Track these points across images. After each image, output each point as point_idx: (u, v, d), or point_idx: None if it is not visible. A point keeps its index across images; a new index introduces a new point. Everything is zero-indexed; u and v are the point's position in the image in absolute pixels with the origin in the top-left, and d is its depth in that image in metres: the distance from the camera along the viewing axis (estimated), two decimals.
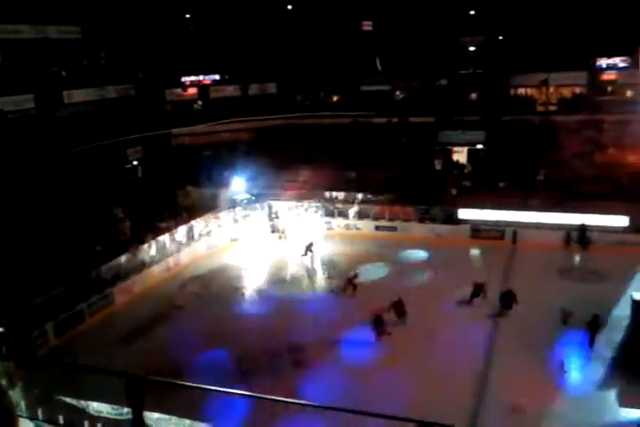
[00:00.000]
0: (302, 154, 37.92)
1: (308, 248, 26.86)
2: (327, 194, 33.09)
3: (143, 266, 25.18)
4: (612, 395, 16.05)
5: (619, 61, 36.62)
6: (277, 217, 31.43)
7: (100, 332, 20.74)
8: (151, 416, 11.44)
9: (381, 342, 18.91)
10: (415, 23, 39.53)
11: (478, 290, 21.13)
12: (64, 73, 36.73)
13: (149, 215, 28.48)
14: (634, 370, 16.56)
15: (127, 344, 19.58)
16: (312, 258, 26.82)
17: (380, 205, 31.64)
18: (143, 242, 26.01)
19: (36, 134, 29.76)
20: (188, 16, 42.72)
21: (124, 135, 34.43)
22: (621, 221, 28.09)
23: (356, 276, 23.00)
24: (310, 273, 26.15)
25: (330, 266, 26.15)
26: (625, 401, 15.64)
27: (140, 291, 24.05)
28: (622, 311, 19.47)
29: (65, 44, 35.08)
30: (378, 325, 18.63)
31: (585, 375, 16.94)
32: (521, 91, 41.08)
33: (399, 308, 19.73)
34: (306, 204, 31.87)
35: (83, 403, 12.38)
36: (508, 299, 20.24)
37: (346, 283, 22.69)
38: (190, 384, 7.96)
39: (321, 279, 25.36)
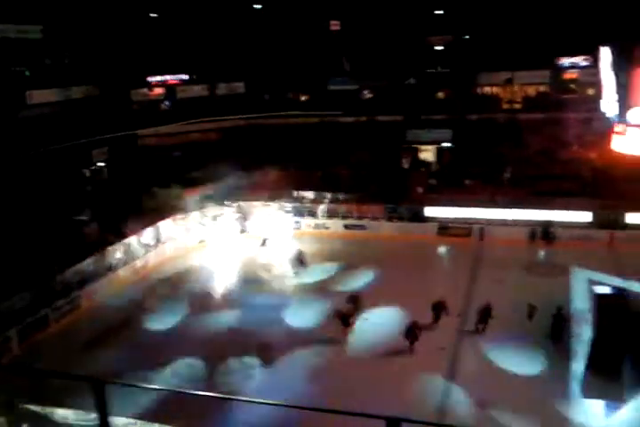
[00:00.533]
0: (271, 153, 37.86)
1: (299, 259, 25.77)
2: (296, 194, 33.07)
3: (109, 269, 24.79)
4: (579, 387, 16.37)
5: (580, 60, 37.43)
6: (247, 218, 31.26)
7: (65, 337, 20.37)
8: (118, 422, 11.25)
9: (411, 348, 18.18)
10: (383, 23, 39.74)
11: (439, 310, 19.43)
12: (27, 73, 36.00)
13: (116, 217, 28.06)
14: (599, 363, 16.96)
15: (94, 349, 19.26)
16: (303, 265, 25.79)
17: (349, 203, 31.74)
18: (110, 245, 25.63)
19: None
20: (153, 15, 42.20)
21: (89, 136, 33.87)
22: (585, 216, 28.71)
23: (301, 253, 22.74)
24: (280, 273, 26.10)
25: (299, 266, 26.08)
26: (591, 393, 15.97)
27: (106, 295, 23.68)
28: (583, 304, 19.97)
29: (27, 44, 34.34)
30: (411, 335, 18.13)
31: (552, 368, 17.23)
32: (487, 89, 41.67)
33: (356, 305, 19.82)
34: (275, 204, 31.79)
35: (47, 410, 12.13)
36: (485, 314, 19.14)
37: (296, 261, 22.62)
38: (158, 387, 7.91)
39: (290, 279, 25.28)
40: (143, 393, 13.25)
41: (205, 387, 15.88)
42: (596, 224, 28.39)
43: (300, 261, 25.64)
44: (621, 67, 19.94)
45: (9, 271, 20.47)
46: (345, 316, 19.41)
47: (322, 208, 31.67)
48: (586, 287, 21.49)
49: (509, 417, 14.70)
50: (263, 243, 28.01)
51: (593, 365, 17.16)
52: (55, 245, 23.83)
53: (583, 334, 18.73)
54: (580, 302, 20.61)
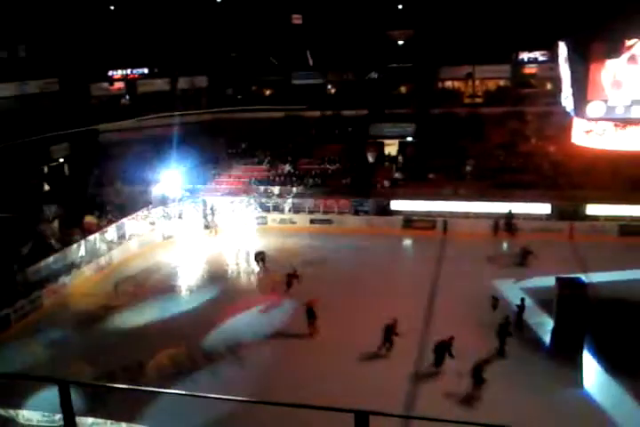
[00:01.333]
0: (235, 148, 37.65)
1: (259, 258, 25.31)
2: (261, 188, 32.98)
3: (73, 267, 24.33)
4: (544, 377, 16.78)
5: (539, 55, 38.15)
6: (212, 213, 31.04)
7: (28, 337, 19.93)
8: (85, 422, 11.15)
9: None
10: (345, 17, 39.76)
11: (389, 333, 17.91)
12: None
13: (78, 214, 27.53)
14: (563, 351, 17.46)
15: (58, 349, 18.91)
16: (263, 266, 25.21)
17: (315, 198, 31.79)
18: (72, 242, 25.15)
19: None
20: (112, 8, 41.38)
21: (48, 132, 33.10)
22: (544, 208, 29.39)
23: (295, 272, 22.73)
24: (246, 269, 26.04)
25: (265, 260, 26.01)
26: (557, 382, 16.38)
27: (70, 293, 23.26)
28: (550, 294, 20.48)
29: None
30: (388, 333, 17.74)
31: (516, 358, 17.62)
32: (448, 84, 42.16)
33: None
34: (240, 198, 31.64)
35: (12, 412, 11.93)
36: (441, 351, 16.96)
37: (287, 278, 22.45)
38: (124, 386, 7.82)
39: (257, 274, 25.23)
40: (109, 393, 13.15)
41: (171, 385, 15.76)
42: (556, 216, 29.11)
43: (261, 259, 25.22)
44: (578, 61, 20.37)
45: None
46: (310, 308, 19.39)
47: (288, 203, 31.65)
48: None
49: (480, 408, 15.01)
50: (260, 258, 25.56)
51: (553, 351, 17.64)
52: (14, 243, 23.28)
53: (545, 323, 19.26)
54: (542, 293, 21.11)
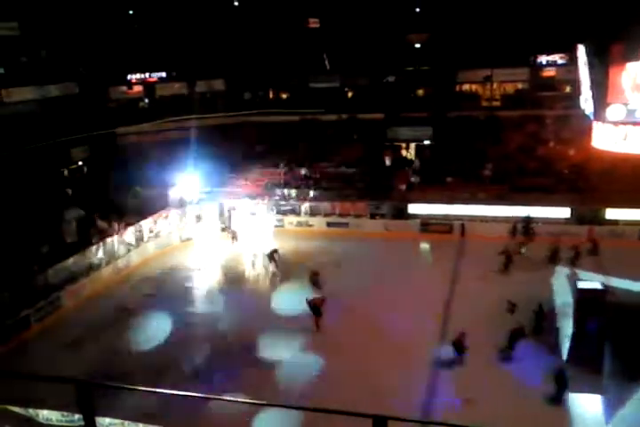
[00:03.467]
0: (253, 151, 37.79)
1: (271, 256, 25.72)
2: (278, 191, 33.05)
3: (91, 268, 24.57)
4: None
5: (558, 58, 37.84)
6: (229, 216, 31.17)
7: (47, 338, 20.15)
8: (103, 422, 11.23)
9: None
10: (362, 20, 39.80)
11: (459, 348, 17.72)
12: (2, 70, 35.47)
13: (97, 216, 27.81)
14: (581, 358, 17.23)
15: (77, 349, 19.09)
16: (275, 263, 25.58)
17: (332, 201, 31.79)
18: (91, 244, 25.40)
19: None
20: (131, 12, 41.85)
21: (68, 135, 33.51)
22: (563, 212, 29.09)
23: (275, 251, 23.23)
24: (264, 272, 26.10)
25: (281, 263, 26.05)
26: (575, 388, 16.18)
27: (89, 294, 23.48)
28: (568, 299, 20.23)
29: (1, 41, 33.85)
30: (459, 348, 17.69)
31: (534, 364, 17.44)
32: (466, 87, 41.98)
33: None
34: (257, 201, 31.74)
35: (31, 411, 12.05)
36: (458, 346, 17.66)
37: (268, 258, 22.88)
38: (142, 388, 7.88)
39: (272, 277, 25.26)
40: (127, 393, 13.24)
41: (191, 386, 15.83)
42: (575, 220, 28.78)
43: (273, 258, 25.51)
44: (598, 64, 20.15)
45: None
46: (315, 306, 19.61)
47: (305, 206, 31.68)
48: (567, 282, 21.81)
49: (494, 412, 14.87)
50: (271, 256, 25.84)
51: (573, 358, 17.43)
52: (35, 244, 23.57)
53: (565, 329, 19.04)
54: (563, 297, 20.89)
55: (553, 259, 24.75)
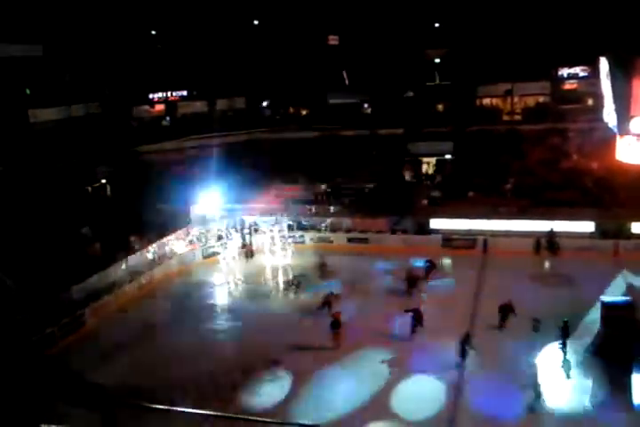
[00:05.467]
0: (273, 168, 37.98)
1: (295, 283, 25.47)
2: (299, 207, 33.08)
3: (115, 285, 24.75)
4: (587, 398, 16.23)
5: (579, 71, 37.69)
6: (250, 232, 31.26)
7: (71, 355, 20.26)
8: None
9: None
10: (380, 36, 40.07)
11: (505, 312, 19.78)
12: (28, 91, 36.30)
13: (120, 234, 28.08)
14: (605, 372, 16.86)
15: (101, 366, 19.15)
16: (296, 291, 25.16)
17: (352, 217, 31.72)
18: (114, 261, 25.63)
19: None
20: (153, 33, 42.65)
21: (92, 154, 34.09)
22: (588, 226, 28.65)
23: (332, 295, 22.61)
24: (284, 288, 26.07)
25: (302, 279, 25.97)
26: (598, 403, 15.82)
27: (112, 311, 23.61)
28: (594, 316, 19.82)
29: (27, 63, 34.70)
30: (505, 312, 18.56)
31: (560, 381, 17.10)
32: (486, 101, 41.94)
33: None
34: (277, 218, 31.80)
35: None
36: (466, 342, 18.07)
37: (323, 301, 22.29)
38: (165, 407, 7.84)
39: (295, 293, 25.21)
40: (153, 413, 13.20)
41: (215, 405, 15.75)
42: (600, 234, 28.30)
43: (296, 285, 25.24)
44: (620, 77, 19.99)
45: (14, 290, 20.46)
46: (335, 319, 19.65)
47: (326, 222, 31.63)
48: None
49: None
50: (295, 285, 25.68)
51: (600, 373, 17.05)
52: (59, 262, 23.82)
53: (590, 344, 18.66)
54: (590, 313, 20.51)
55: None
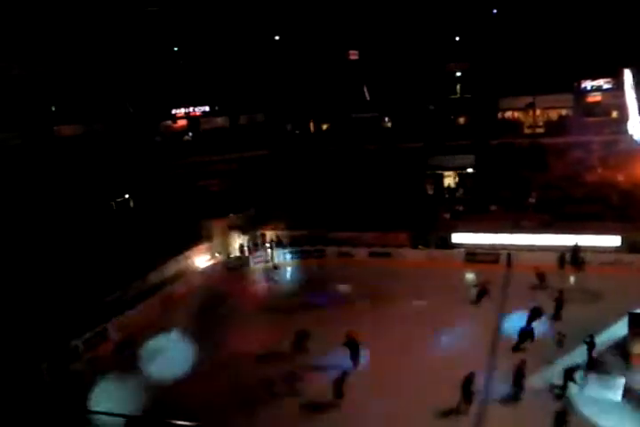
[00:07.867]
0: (294, 182, 38.05)
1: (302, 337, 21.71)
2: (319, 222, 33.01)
3: (138, 299, 24.91)
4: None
5: (603, 83, 37.32)
6: (272, 246, 31.33)
7: (95, 369, 20.37)
8: None
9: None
10: (401, 50, 40.21)
11: (519, 377, 17.09)
12: (53, 108, 37.05)
13: (145, 249, 28.31)
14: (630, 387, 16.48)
15: (124, 381, 19.21)
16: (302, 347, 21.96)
17: (374, 231, 31.55)
18: (138, 275, 25.84)
19: (26, 169, 29.97)
20: (176, 49, 43.33)
21: (115, 168, 34.55)
22: (614, 240, 28.13)
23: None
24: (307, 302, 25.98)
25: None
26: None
27: (135, 325, 23.70)
28: (622, 330, 19.42)
29: (52, 79, 35.47)
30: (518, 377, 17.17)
31: (585, 396, 16.73)
32: (508, 114, 41.71)
33: None
34: (299, 232, 31.80)
35: None
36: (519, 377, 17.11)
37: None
38: (188, 424, 7.82)
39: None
40: None
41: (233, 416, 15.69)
42: (626, 248, 27.76)
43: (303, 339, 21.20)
44: None
45: (38, 304, 20.72)
46: (353, 340, 19.18)
47: (346, 236, 31.49)
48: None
49: None
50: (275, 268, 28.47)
51: (626, 389, 16.67)
52: (82, 277, 24.08)
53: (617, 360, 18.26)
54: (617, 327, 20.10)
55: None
